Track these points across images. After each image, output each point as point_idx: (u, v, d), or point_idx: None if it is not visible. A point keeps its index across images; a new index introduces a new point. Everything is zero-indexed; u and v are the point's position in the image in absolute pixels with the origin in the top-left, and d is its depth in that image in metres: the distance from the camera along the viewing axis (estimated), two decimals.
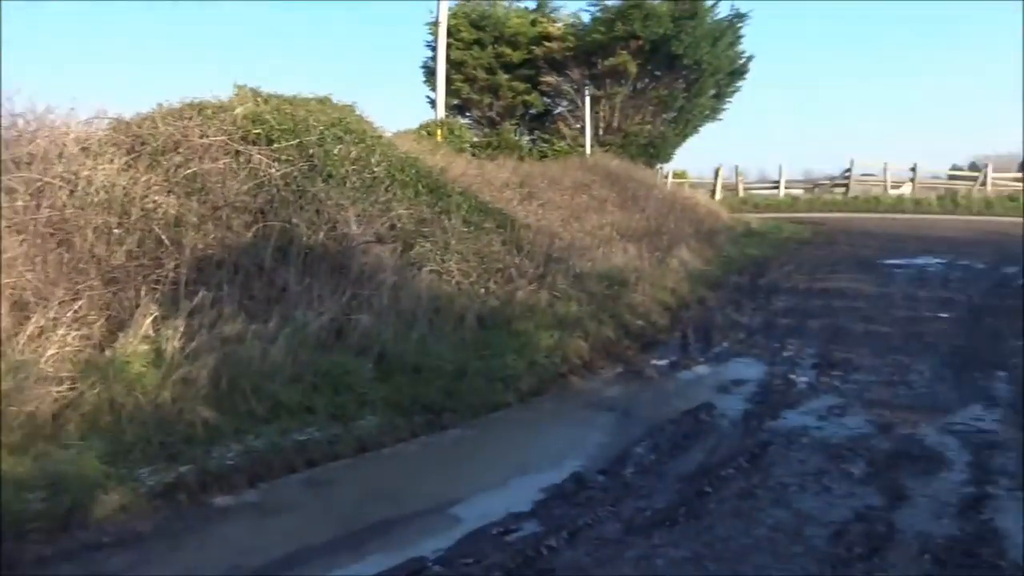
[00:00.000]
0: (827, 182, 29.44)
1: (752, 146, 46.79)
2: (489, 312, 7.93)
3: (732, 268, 14.08)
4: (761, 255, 16.08)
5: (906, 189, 27.93)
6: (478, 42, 23.41)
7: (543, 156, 21.38)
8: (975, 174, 28.41)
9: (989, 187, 27.14)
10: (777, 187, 29.50)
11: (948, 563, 3.83)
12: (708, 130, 28.20)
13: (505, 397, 6.77)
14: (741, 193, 28.97)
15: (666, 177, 25.60)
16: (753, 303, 11.08)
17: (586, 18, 23.85)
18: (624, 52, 23.12)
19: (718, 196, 27.81)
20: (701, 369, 7.93)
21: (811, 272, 13.64)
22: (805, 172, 33.85)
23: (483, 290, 8.25)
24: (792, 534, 4.20)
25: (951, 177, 29.87)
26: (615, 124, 24.80)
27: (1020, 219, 23.52)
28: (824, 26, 44.93)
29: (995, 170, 27.89)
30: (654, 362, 8.17)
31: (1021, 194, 26.73)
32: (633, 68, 23.25)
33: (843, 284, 12.35)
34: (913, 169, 28.40)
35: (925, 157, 46.48)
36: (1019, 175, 28.19)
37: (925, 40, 49.69)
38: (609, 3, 24.04)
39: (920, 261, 14.94)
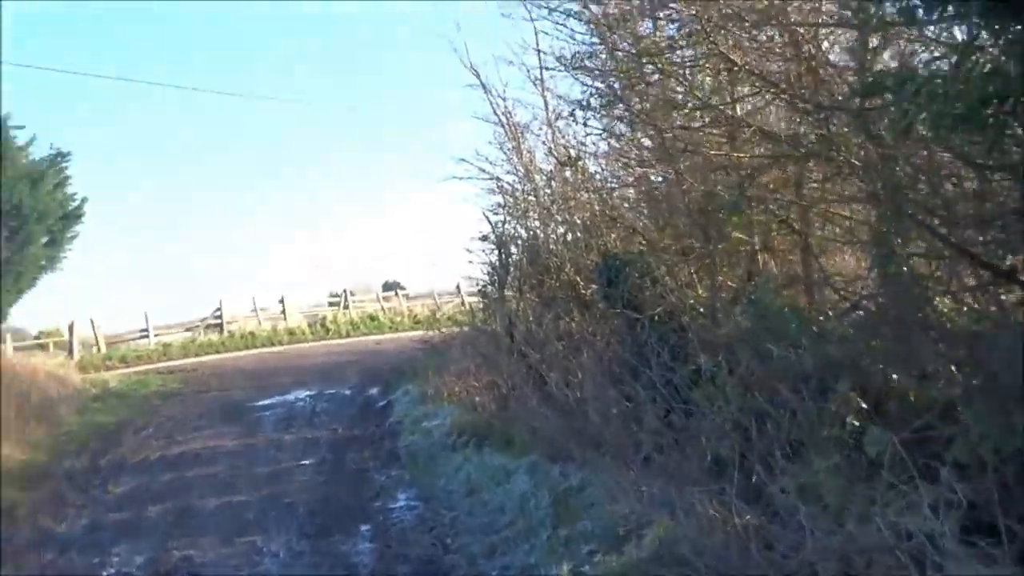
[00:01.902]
0: (200, 324, 27.96)
1: (120, 293, 42.22)
2: None
3: (69, 448, 11.20)
4: (115, 421, 13.44)
5: (293, 320, 28.05)
6: None
7: None
8: (337, 299, 30.11)
9: (352, 310, 28.99)
10: (147, 335, 26.88)
11: None
12: (73, 281, 25.30)
13: None
14: (103, 348, 25.55)
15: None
16: (83, 497, 8.55)
17: None
18: None
19: (76, 355, 24.05)
20: None
21: (171, 434, 11.62)
22: (179, 315, 31.90)
23: None
24: None
25: (330, 304, 31.01)
26: None
27: (382, 335, 25.51)
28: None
29: (363, 293, 29.99)
30: None
31: (380, 312, 29.29)
32: None
33: (205, 444, 10.64)
34: (282, 301, 28.81)
35: (303, 287, 48.61)
36: (375, 295, 30.81)
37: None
38: None
39: (291, 397, 14.18)
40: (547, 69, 8.59)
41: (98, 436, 12.13)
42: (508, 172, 10.68)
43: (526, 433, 7.47)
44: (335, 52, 44.02)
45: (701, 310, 5.96)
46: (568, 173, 8.65)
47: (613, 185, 7.71)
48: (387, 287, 33.93)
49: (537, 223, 9.79)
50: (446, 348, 13.36)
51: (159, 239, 45.62)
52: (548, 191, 9.39)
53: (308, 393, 14.30)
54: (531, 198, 9.42)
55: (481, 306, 12.01)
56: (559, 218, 8.89)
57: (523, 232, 10.06)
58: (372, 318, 28.67)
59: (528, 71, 9.71)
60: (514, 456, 7.32)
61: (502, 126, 10.71)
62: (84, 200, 23.13)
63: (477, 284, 12.31)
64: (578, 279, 8.18)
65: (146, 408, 14.81)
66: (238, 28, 41.08)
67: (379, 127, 46.27)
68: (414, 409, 10.86)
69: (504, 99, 10.46)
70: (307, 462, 9.00)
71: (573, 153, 8.26)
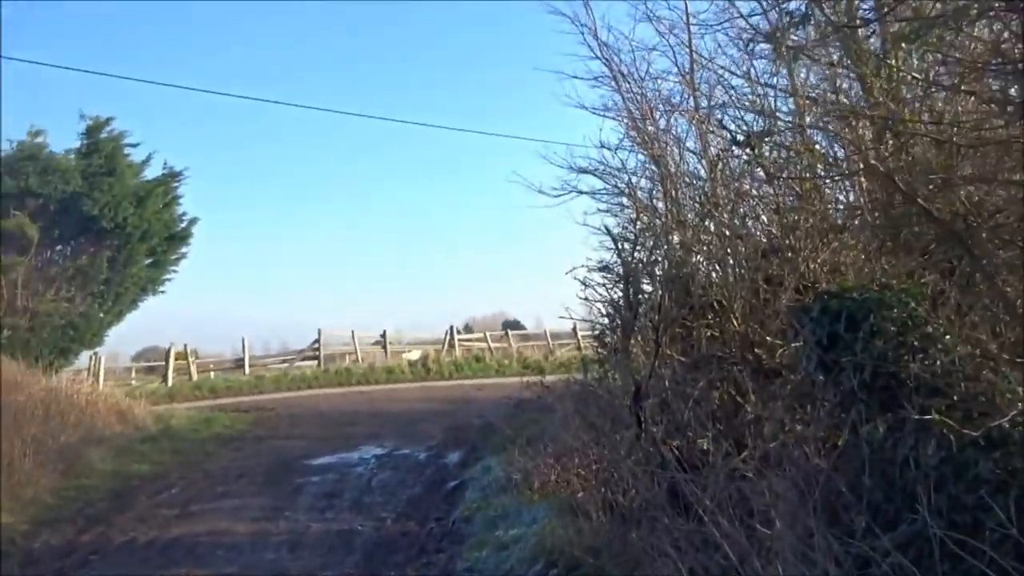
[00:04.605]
0: (296, 356, 26.05)
1: (221, 320, 40.54)
2: None
3: (66, 511, 8.78)
4: (149, 472, 11.08)
5: (414, 355, 25.73)
6: None
7: None
8: (441, 338, 27.54)
9: (457, 350, 26.36)
10: (242, 366, 25.15)
11: None
12: (170, 305, 24.15)
13: None
14: (195, 376, 23.93)
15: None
16: None
17: None
18: (20, 212, 18.02)
19: (171, 382, 22.54)
20: None
21: (188, 500, 9.07)
22: (281, 345, 30.22)
23: None
24: None
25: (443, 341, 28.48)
26: (20, 304, 18.90)
27: (486, 380, 22.53)
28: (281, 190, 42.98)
29: (482, 330, 27.44)
30: None
31: (487, 353, 26.50)
32: (34, 232, 18.23)
33: (214, 525, 7.97)
34: (383, 336, 26.57)
35: (419, 320, 46.55)
36: (480, 335, 28.10)
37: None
38: None
39: (355, 455, 11.48)
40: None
41: (112, 494, 9.73)
42: (644, 178, 7.70)
43: None
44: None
45: None
46: (739, 161, 5.51)
47: (833, 175, 4.45)
48: (507, 326, 31.17)
49: (680, 247, 6.66)
50: (549, 408, 10.33)
51: (273, 263, 44.87)
52: (702, 196, 6.25)
53: (375, 452, 11.56)
54: (687, 206, 6.28)
55: (597, 356, 8.92)
56: (721, 232, 5.68)
57: (662, 259, 6.95)
58: (477, 359, 25.91)
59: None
60: None
61: (633, 120, 7.78)
62: (193, 221, 21.71)
63: (595, 327, 9.28)
64: (756, 331, 4.97)
65: (194, 455, 12.44)
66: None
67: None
68: (491, 501, 7.75)
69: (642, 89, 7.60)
70: None
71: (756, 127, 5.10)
